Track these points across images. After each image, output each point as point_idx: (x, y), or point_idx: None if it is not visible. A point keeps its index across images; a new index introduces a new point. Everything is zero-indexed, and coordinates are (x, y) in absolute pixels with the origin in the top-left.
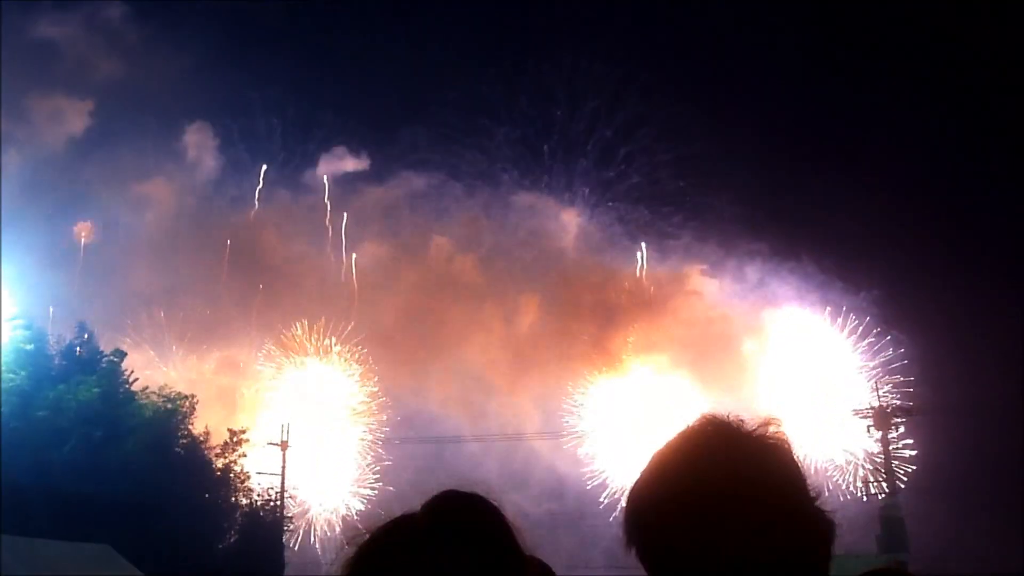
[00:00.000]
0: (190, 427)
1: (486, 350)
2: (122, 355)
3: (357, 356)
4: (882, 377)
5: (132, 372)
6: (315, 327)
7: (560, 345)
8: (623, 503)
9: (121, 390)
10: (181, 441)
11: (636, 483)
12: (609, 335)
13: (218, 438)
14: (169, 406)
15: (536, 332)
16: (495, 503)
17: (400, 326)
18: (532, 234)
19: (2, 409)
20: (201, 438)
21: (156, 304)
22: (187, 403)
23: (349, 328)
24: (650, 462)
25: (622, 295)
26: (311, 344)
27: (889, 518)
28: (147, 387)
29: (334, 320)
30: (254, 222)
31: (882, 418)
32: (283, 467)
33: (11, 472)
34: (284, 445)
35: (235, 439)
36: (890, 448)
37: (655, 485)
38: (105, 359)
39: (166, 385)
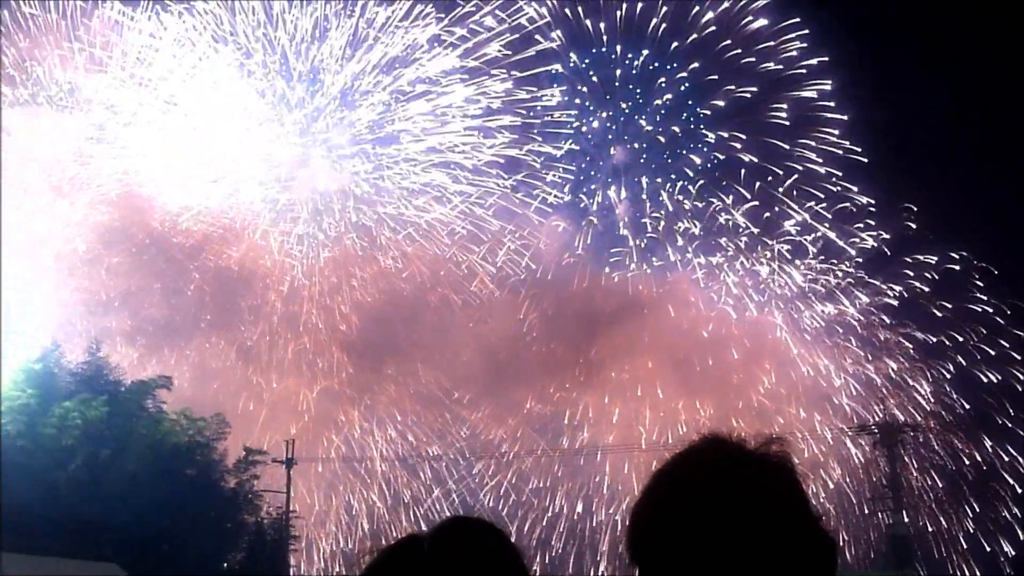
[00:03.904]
0: (216, 448)
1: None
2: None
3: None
4: None
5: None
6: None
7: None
8: (626, 521)
9: (146, 412)
10: (196, 457)
11: (637, 501)
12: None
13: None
14: (184, 423)
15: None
16: (503, 530)
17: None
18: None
19: (9, 428)
20: (218, 458)
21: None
22: (214, 425)
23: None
24: (651, 480)
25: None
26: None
27: (896, 536)
28: (163, 403)
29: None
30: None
31: (888, 434)
32: (288, 485)
33: (18, 490)
34: (290, 462)
35: (250, 458)
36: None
37: (656, 504)
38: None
39: (188, 408)
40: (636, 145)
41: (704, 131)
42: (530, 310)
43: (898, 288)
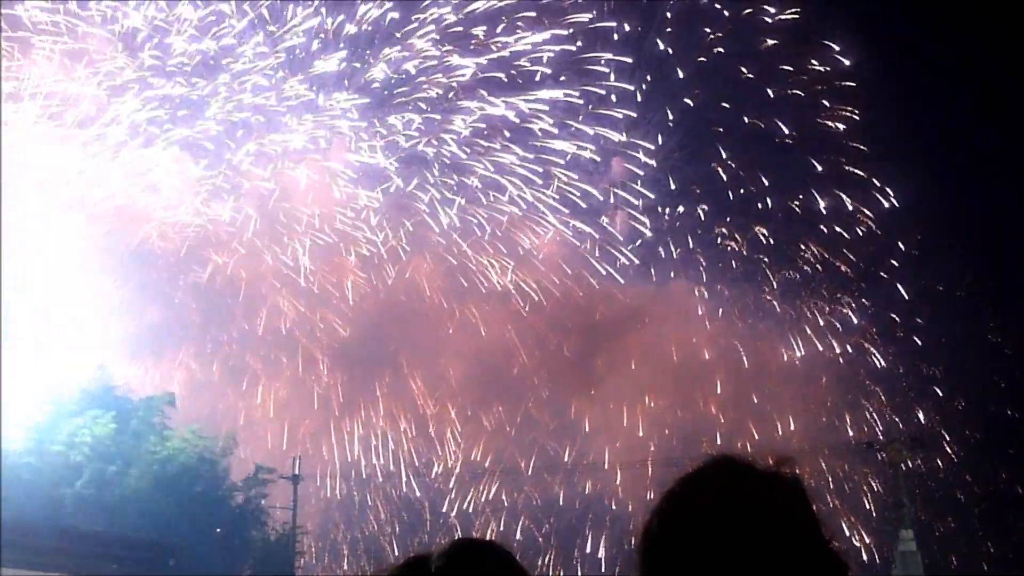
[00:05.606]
0: (223, 465)
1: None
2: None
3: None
4: None
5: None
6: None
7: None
8: (637, 541)
9: (155, 430)
10: (203, 474)
11: (648, 522)
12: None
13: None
14: (194, 440)
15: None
16: (510, 551)
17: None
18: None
19: (18, 445)
20: (224, 475)
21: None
22: (222, 443)
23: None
24: (662, 501)
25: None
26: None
27: (904, 552)
28: (168, 418)
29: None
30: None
31: (895, 450)
32: (294, 501)
33: (25, 508)
34: (296, 479)
35: (258, 475)
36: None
37: (667, 524)
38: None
39: (198, 426)
40: (638, 165)
41: (711, 157)
42: (533, 328)
43: (907, 317)
